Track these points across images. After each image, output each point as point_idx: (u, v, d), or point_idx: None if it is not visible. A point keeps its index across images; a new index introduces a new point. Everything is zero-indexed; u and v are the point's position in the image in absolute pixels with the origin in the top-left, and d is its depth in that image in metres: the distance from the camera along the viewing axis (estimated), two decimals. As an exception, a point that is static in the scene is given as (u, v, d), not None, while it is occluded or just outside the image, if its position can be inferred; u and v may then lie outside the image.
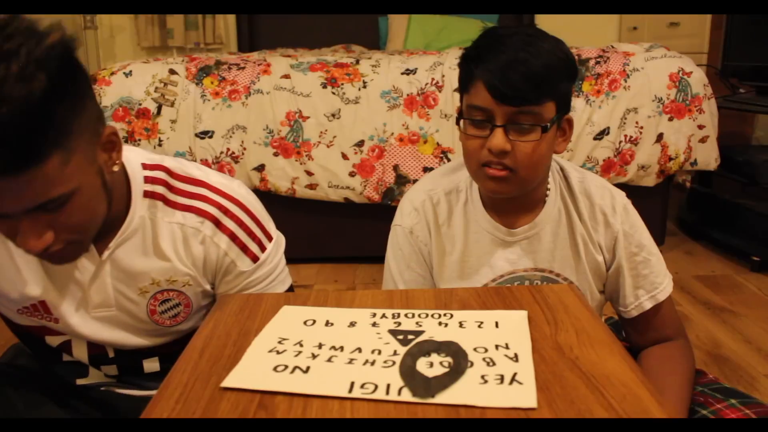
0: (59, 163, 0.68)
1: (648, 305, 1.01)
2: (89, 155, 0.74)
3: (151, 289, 0.91)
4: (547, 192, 1.01)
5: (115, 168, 0.80)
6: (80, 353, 0.96)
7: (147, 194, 0.88)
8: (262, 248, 0.94)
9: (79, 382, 0.99)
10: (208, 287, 0.94)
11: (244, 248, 0.92)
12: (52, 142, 0.67)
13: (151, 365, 0.98)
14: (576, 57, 1.91)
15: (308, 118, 2.34)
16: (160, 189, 0.89)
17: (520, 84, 0.86)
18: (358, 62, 2.43)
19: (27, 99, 0.62)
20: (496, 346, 0.66)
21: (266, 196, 2.39)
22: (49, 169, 0.67)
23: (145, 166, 0.89)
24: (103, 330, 0.92)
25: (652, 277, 1.01)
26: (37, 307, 0.89)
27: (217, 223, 0.90)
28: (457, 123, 0.95)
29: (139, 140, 2.36)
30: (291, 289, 1.00)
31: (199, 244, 0.90)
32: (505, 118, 0.88)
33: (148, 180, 0.88)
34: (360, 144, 2.35)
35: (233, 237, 0.91)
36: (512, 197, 0.97)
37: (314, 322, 0.74)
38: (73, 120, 0.70)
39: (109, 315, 0.91)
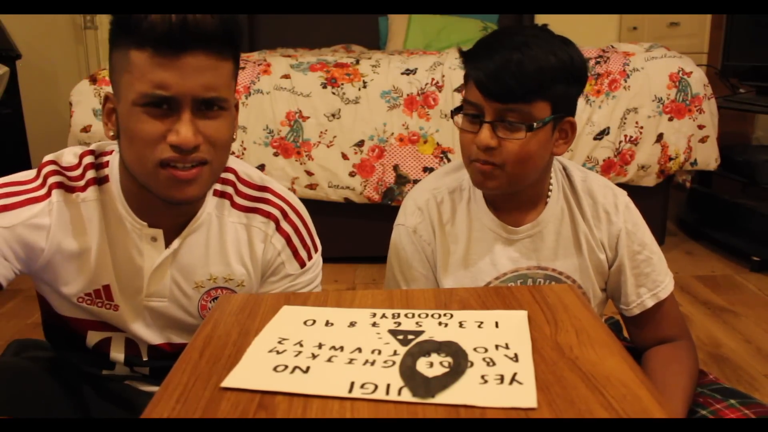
0: (232, 71, 0.80)
1: (650, 303, 1.01)
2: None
3: (206, 285, 0.94)
4: (550, 190, 1.01)
5: (235, 136, 0.87)
6: (117, 354, 0.97)
7: (217, 193, 0.93)
8: (310, 256, 0.99)
9: (105, 372, 1.00)
10: (256, 286, 0.97)
11: (295, 252, 0.97)
12: (238, 46, 0.81)
13: None
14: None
15: (308, 118, 2.34)
16: (229, 190, 0.94)
17: (508, 81, 0.87)
18: (358, 62, 2.43)
19: None
20: (496, 346, 0.66)
21: (266, 196, 2.39)
22: (228, 68, 0.79)
23: None
24: (149, 326, 0.94)
25: (654, 276, 1.01)
26: (100, 293, 0.91)
27: (277, 225, 0.95)
28: (452, 116, 0.97)
29: (139, 140, 2.36)
30: None
31: (260, 242, 0.95)
32: (494, 114, 0.90)
33: (219, 180, 0.92)
34: (360, 144, 2.35)
35: (288, 240, 0.96)
36: (509, 194, 0.98)
37: (314, 322, 0.74)
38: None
39: (161, 306, 0.93)
